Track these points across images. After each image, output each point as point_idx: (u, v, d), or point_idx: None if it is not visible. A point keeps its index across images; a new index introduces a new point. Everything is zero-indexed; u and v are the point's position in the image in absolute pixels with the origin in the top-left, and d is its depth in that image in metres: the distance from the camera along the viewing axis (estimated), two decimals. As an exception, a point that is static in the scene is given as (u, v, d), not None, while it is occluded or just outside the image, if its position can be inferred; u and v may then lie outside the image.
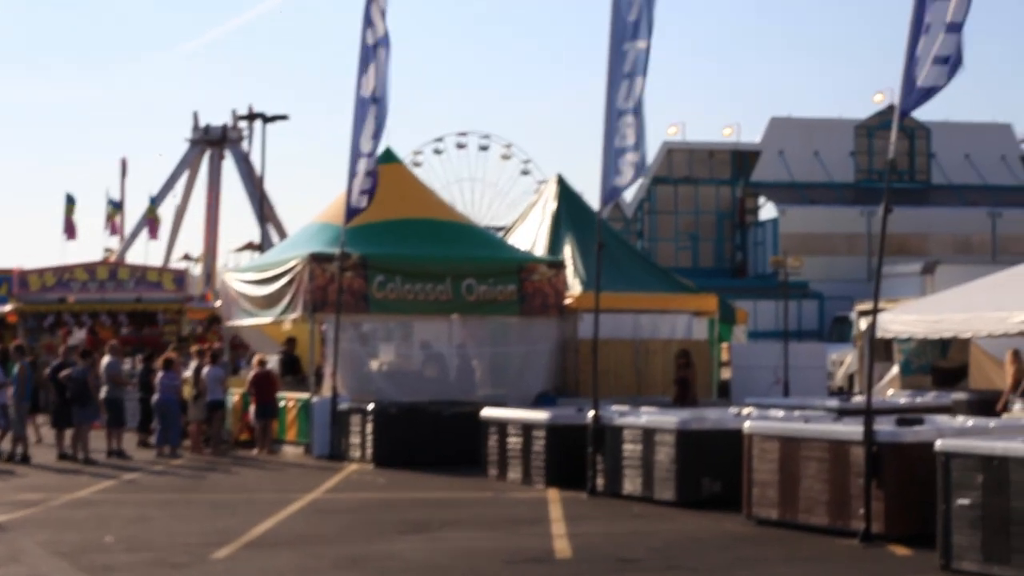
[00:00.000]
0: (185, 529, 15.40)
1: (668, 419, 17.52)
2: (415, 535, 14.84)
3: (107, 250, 67.60)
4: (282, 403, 25.65)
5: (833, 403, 21.42)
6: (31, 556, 13.32)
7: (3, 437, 24.76)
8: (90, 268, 43.45)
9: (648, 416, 18.08)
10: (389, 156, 27.57)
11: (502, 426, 20.27)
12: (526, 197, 67.30)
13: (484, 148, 71.09)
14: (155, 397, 25.75)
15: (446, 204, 31.36)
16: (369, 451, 22.73)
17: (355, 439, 23.20)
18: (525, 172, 71.31)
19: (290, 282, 25.60)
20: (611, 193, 20.36)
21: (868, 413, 14.39)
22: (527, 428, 19.69)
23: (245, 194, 72.57)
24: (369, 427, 22.78)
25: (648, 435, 17.48)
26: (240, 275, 29.04)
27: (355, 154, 24.81)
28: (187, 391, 26.04)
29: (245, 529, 15.16)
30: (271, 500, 17.95)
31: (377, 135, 24.73)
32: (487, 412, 20.94)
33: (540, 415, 19.85)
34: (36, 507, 17.51)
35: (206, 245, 71.71)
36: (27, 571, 12.54)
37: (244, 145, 72.89)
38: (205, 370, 25.82)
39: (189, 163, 73.87)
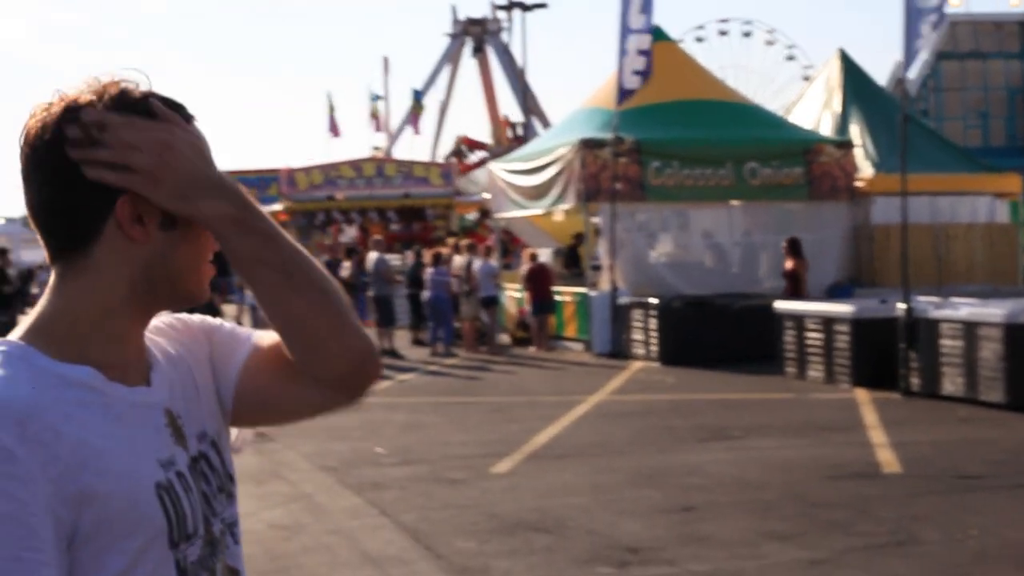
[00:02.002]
0: (462, 438, 14.18)
1: (993, 311, 15.48)
2: (715, 443, 13.29)
3: (375, 148, 67.64)
4: (559, 298, 24.38)
5: None
6: (294, 471, 12.23)
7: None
8: (357, 165, 43.06)
9: (968, 308, 16.09)
10: (660, 35, 25.79)
11: (799, 320, 18.53)
12: (792, 84, 64.80)
13: (747, 35, 68.62)
14: (426, 294, 24.80)
15: (722, 83, 29.31)
16: (654, 348, 21.27)
17: (638, 335, 21.77)
18: (790, 58, 68.58)
19: (560, 171, 24.18)
20: (913, 57, 18.36)
21: None
22: (828, 322, 17.91)
23: (507, 86, 71.84)
24: (653, 322, 21.31)
25: (970, 329, 15.51)
26: (507, 165, 27.75)
27: (624, 31, 23.18)
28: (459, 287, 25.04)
29: (527, 437, 13.86)
30: (553, 403, 16.65)
31: (647, 9, 23.07)
32: (781, 305, 19.21)
33: (843, 308, 18.00)
34: (305, 413, 16.52)
35: (494, 137, 71.08)
36: (289, 489, 11.43)
37: (504, 36, 72.02)
38: (476, 265, 24.71)
39: (450, 57, 73.41)
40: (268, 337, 2.16)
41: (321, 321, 2.03)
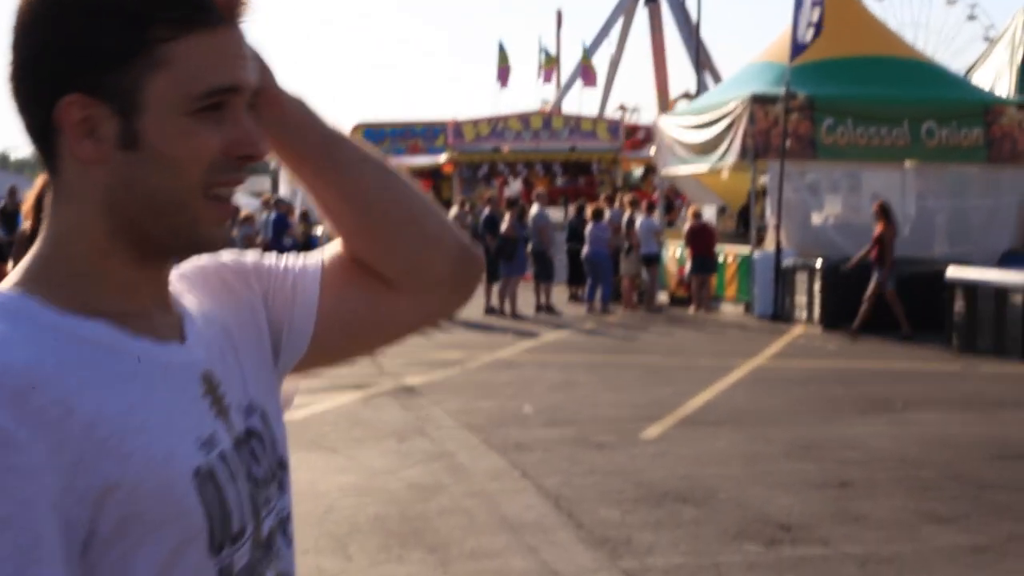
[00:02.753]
0: (612, 399, 13.82)
1: None
2: (876, 415, 12.73)
3: (544, 101, 67.37)
4: (721, 258, 23.83)
5: None
6: (439, 428, 11.99)
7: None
8: (524, 118, 42.82)
9: None
10: (837, -13, 24.94)
11: (970, 289, 17.77)
12: (972, 44, 62.99)
13: (928, -8, 66.93)
14: (585, 249, 24.43)
15: (900, 40, 28.27)
16: (817, 312, 20.65)
17: (801, 298, 21.16)
18: (971, 17, 66.62)
19: (729, 126, 23.54)
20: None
21: None
22: (1001, 292, 17.13)
23: (680, 42, 70.95)
24: (817, 285, 20.69)
25: None
26: (676, 119, 27.18)
27: (801, -16, 22.43)
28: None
29: (680, 401, 13.46)
30: (709, 366, 16.19)
31: (825, -41, 22.32)
32: (952, 272, 18.45)
33: (1018, 277, 17.21)
34: (454, 368, 16.31)
35: (659, 94, 70.42)
36: (430, 446, 11.18)
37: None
38: (638, 221, 24.26)
39: (624, 10, 72.67)
40: (331, 251, 1.83)
41: (434, 212, 1.81)
